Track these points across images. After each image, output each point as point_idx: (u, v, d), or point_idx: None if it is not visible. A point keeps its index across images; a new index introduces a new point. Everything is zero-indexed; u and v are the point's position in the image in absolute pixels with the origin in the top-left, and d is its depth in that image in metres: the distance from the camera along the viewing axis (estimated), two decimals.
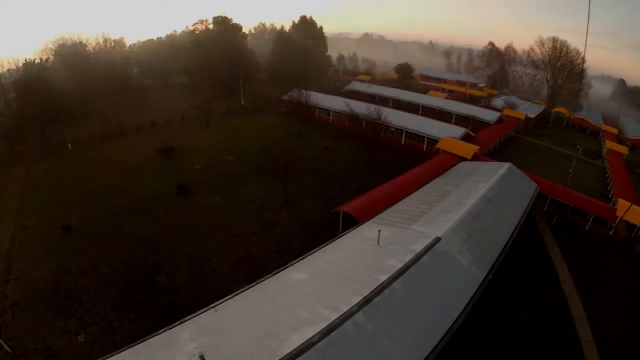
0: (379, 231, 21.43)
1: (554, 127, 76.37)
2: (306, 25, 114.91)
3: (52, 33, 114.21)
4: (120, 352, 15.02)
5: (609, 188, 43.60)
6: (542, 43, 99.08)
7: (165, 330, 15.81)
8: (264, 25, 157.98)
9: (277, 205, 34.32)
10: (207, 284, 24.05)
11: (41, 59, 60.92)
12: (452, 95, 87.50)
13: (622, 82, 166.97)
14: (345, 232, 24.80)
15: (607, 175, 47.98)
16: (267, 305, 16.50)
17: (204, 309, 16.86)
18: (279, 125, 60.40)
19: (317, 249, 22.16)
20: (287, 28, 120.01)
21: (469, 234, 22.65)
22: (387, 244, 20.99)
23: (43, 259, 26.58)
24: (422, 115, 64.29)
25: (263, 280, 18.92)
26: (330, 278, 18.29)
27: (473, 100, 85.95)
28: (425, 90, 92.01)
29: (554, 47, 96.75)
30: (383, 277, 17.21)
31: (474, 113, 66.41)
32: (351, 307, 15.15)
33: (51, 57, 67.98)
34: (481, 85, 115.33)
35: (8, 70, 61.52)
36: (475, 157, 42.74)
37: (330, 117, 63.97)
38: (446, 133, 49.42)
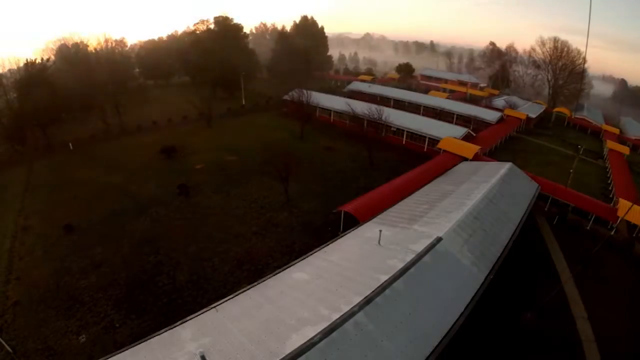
0: (380, 231, 21.42)
1: (555, 127, 76.21)
2: (307, 25, 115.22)
3: (54, 33, 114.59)
4: (122, 352, 15.05)
5: (610, 188, 43.48)
6: (543, 43, 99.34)
7: (166, 330, 15.86)
8: (265, 25, 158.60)
9: (278, 205, 34.33)
10: (208, 284, 24.06)
11: (42, 59, 60.97)
12: (453, 95, 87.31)
13: (623, 82, 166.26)
14: (347, 232, 24.84)
15: (608, 175, 47.84)
16: (268, 305, 16.49)
17: (205, 309, 16.90)
18: (280, 125, 60.41)
19: (318, 248, 22.19)
20: (288, 28, 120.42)
21: (470, 234, 22.62)
22: (388, 244, 20.97)
23: (44, 259, 26.61)
24: (423, 115, 64.34)
25: (264, 280, 18.95)
26: (331, 278, 18.26)
27: (474, 100, 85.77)
28: (426, 90, 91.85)
29: (555, 47, 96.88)
30: (384, 277, 17.19)
31: (475, 113, 66.30)
32: (352, 307, 15.13)
33: (52, 57, 68.33)
34: (482, 85, 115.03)
35: (9, 70, 61.83)
36: (476, 157, 42.73)
37: (332, 117, 63.99)
38: (447, 133, 49.40)
